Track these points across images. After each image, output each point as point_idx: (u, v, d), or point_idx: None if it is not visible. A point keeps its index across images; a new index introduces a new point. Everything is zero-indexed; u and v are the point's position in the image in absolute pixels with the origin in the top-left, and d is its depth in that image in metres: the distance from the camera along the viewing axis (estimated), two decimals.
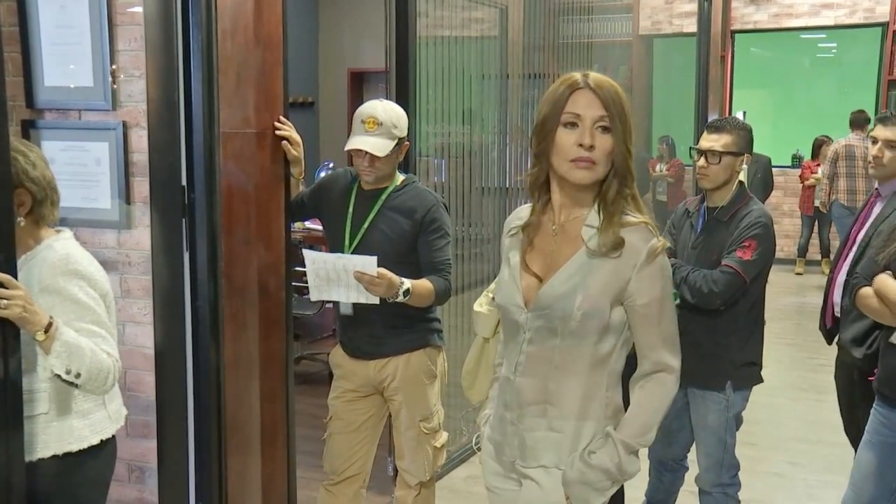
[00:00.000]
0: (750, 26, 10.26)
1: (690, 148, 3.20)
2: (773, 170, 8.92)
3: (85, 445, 2.15)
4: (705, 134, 3.02)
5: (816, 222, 9.30)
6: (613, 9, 7.14)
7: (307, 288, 2.72)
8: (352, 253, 2.77)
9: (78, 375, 2.03)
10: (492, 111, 4.88)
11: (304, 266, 2.68)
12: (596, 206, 1.83)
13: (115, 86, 2.63)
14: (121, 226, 2.68)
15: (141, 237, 2.66)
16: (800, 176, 9.34)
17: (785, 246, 9.77)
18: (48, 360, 2.00)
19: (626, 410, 1.89)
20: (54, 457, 2.11)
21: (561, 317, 1.79)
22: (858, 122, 8.36)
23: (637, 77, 7.83)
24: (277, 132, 2.75)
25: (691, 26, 7.45)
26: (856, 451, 3.13)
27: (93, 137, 2.67)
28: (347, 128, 2.88)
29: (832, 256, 9.41)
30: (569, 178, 1.80)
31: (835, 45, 10.50)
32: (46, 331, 1.96)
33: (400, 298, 2.65)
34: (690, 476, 3.26)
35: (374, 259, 2.59)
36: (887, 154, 2.90)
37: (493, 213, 4.71)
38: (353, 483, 2.96)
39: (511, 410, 1.91)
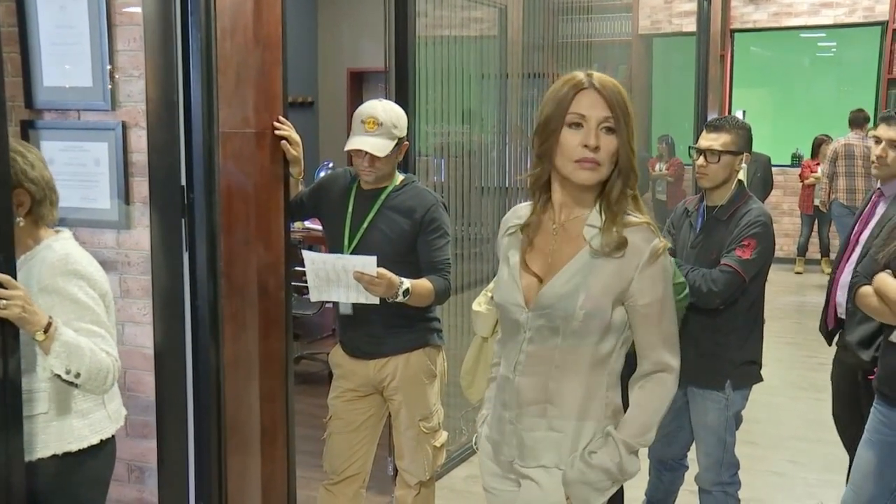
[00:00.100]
0: (749, 25, 10.26)
1: (689, 147, 3.20)
2: (773, 169, 8.92)
3: (84, 445, 2.16)
4: (704, 133, 3.02)
5: (816, 221, 9.30)
6: (613, 8, 7.14)
7: (307, 288, 2.72)
8: (351, 253, 2.77)
9: (77, 375, 2.03)
10: (491, 111, 4.88)
11: (304, 266, 2.69)
12: (598, 206, 1.83)
13: (113, 86, 2.63)
14: (120, 226, 2.68)
15: (140, 237, 2.66)
16: (799, 175, 9.34)
17: (785, 245, 9.77)
18: (48, 360, 2.00)
19: (624, 410, 1.89)
20: (54, 456, 2.12)
21: (563, 316, 1.79)
22: (857, 121, 8.36)
23: (636, 76, 7.84)
24: (277, 132, 2.75)
25: (691, 25, 7.45)
26: (847, 450, 3.14)
27: (92, 137, 2.67)
28: (347, 128, 2.88)
29: (832, 255, 9.44)
30: (573, 178, 1.79)
31: (834, 44, 10.50)
32: (46, 331, 1.96)
33: (399, 298, 2.65)
34: (690, 475, 3.26)
35: (373, 259, 2.59)
36: (891, 154, 2.87)
37: (493, 213, 4.70)
38: (353, 483, 2.96)
39: (510, 410, 1.90)
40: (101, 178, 2.68)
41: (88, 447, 2.16)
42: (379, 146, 2.72)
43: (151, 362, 2.64)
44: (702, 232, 3.00)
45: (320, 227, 3.12)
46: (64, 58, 2.67)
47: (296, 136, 2.80)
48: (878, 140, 2.93)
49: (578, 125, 1.76)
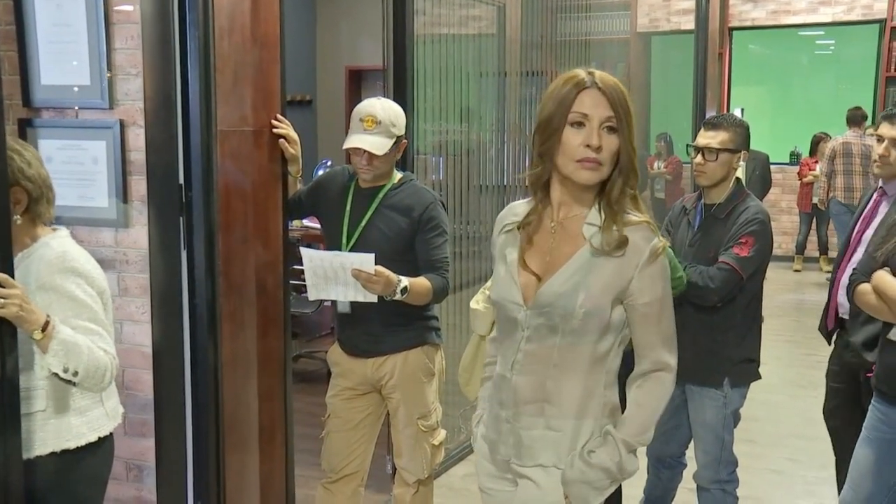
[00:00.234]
0: (748, 23, 10.27)
1: (687, 145, 3.20)
2: (772, 167, 8.93)
3: (83, 443, 2.16)
4: (702, 131, 3.02)
5: (815, 219, 9.30)
6: (611, 6, 7.14)
7: (305, 286, 2.72)
8: (350, 251, 2.77)
9: (75, 373, 2.03)
10: (490, 109, 4.88)
11: (302, 264, 2.69)
12: (597, 205, 1.83)
13: (111, 84, 2.62)
14: (118, 224, 2.68)
15: (138, 236, 2.66)
16: (798, 173, 9.35)
17: (783, 243, 9.78)
18: (45, 358, 2.00)
19: (622, 409, 1.89)
20: (52, 454, 2.12)
21: (562, 315, 1.79)
22: (855, 119, 8.36)
23: (635, 74, 7.83)
24: (275, 130, 2.75)
25: (689, 23, 7.44)
26: (835, 448, 3.14)
27: (90, 136, 2.67)
28: (345, 126, 2.88)
29: (830, 253, 9.45)
30: (574, 178, 1.79)
31: (833, 41, 10.50)
32: (44, 329, 1.96)
33: (398, 296, 2.65)
34: (689, 473, 3.26)
35: (371, 256, 2.59)
36: (894, 153, 2.86)
37: (491, 211, 4.70)
38: (352, 481, 2.96)
39: (506, 408, 1.90)
40: (99, 176, 2.67)
41: (87, 445, 2.17)
42: (377, 144, 2.72)
43: (150, 361, 2.64)
44: (700, 230, 3.00)
45: (319, 226, 3.12)
46: (62, 56, 2.67)
47: (294, 135, 2.80)
48: (880, 139, 2.90)
49: (580, 124, 1.76)
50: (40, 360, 2.05)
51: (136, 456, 2.76)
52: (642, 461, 2.66)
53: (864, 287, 2.55)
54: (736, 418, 3.06)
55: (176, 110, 2.46)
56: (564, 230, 1.85)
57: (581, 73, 1.79)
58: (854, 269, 2.69)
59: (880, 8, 9.58)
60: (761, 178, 8.59)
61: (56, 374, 2.03)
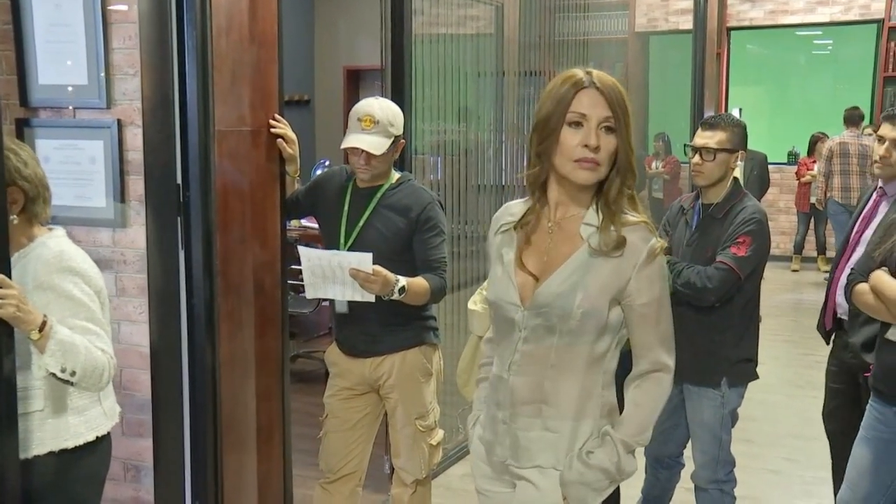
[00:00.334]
0: (746, 23, 10.27)
1: (685, 145, 3.20)
2: (770, 167, 8.94)
3: (81, 442, 2.16)
4: (699, 131, 3.02)
5: (812, 219, 9.31)
6: (609, 6, 7.14)
7: (303, 286, 2.72)
8: (347, 251, 2.77)
9: (73, 373, 2.03)
10: (488, 109, 4.88)
11: (300, 264, 2.68)
12: (595, 205, 1.82)
13: (108, 83, 2.62)
14: (116, 224, 2.67)
15: (136, 236, 2.65)
16: (796, 173, 9.35)
17: (781, 243, 9.78)
18: (43, 358, 2.00)
19: (619, 409, 1.89)
20: (50, 453, 2.12)
21: (560, 315, 1.78)
22: (853, 118, 8.37)
23: (633, 74, 7.83)
24: (272, 130, 2.75)
25: (687, 23, 7.44)
26: (832, 448, 3.14)
27: (87, 136, 2.67)
28: (343, 126, 2.88)
29: (828, 253, 9.45)
30: (571, 178, 1.78)
31: (830, 41, 10.51)
32: (41, 330, 1.96)
33: (395, 296, 2.65)
34: (686, 473, 3.26)
35: (369, 255, 2.59)
36: (894, 154, 2.85)
37: (489, 211, 4.69)
38: (350, 481, 2.96)
39: (503, 409, 1.89)
40: (97, 176, 2.67)
41: (85, 444, 2.17)
42: (375, 144, 2.72)
43: (147, 361, 2.64)
44: (697, 229, 3.00)
45: (317, 226, 3.12)
46: (59, 55, 2.66)
47: (292, 134, 2.79)
48: (881, 139, 2.88)
49: (578, 124, 1.75)
50: (38, 360, 2.04)
51: (134, 456, 2.76)
52: (640, 461, 2.66)
53: (862, 287, 2.55)
54: (734, 418, 3.06)
55: (173, 110, 2.46)
56: (562, 230, 1.84)
57: (579, 72, 1.78)
58: (852, 269, 2.69)
59: (878, 8, 9.59)
60: (759, 178, 8.60)
61: (53, 374, 2.03)
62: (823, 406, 3.18)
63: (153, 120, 2.53)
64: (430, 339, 2.93)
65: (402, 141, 2.86)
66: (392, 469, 3.11)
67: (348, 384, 2.93)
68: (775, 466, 4.26)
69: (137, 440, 2.73)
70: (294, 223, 5.20)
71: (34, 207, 2.11)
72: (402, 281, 2.65)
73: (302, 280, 2.71)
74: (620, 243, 1.77)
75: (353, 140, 2.72)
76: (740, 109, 9.64)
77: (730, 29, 10.30)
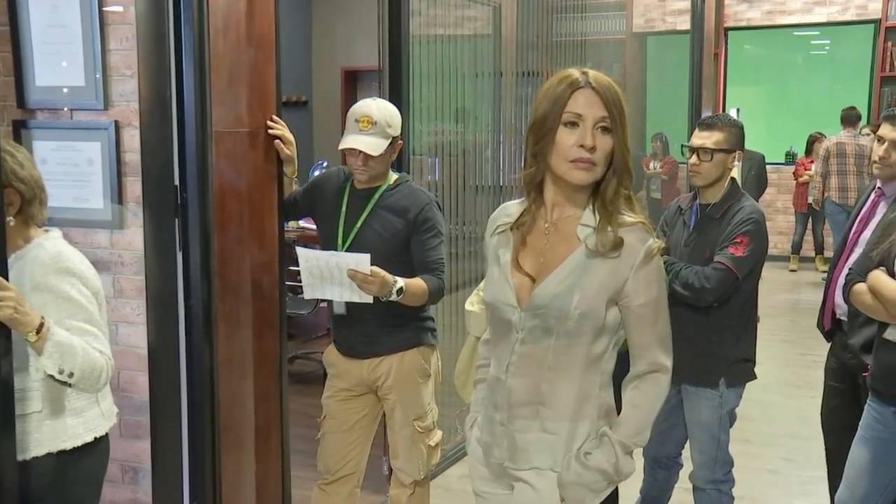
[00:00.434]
0: (743, 23, 10.29)
1: (682, 145, 3.20)
2: (767, 167, 8.94)
3: (79, 443, 2.16)
4: (697, 131, 3.02)
5: (810, 219, 9.32)
6: (607, 6, 7.14)
7: (301, 287, 2.72)
8: (345, 252, 2.77)
9: (71, 375, 2.03)
10: (485, 109, 4.88)
11: (298, 265, 2.68)
12: (591, 206, 1.82)
13: (106, 85, 2.62)
14: (113, 226, 2.67)
15: (133, 237, 2.65)
16: (793, 173, 9.36)
17: (779, 243, 9.80)
18: (40, 360, 2.00)
19: (617, 410, 1.89)
20: (48, 455, 2.12)
21: (557, 316, 1.78)
22: (850, 119, 8.37)
23: (631, 75, 7.84)
24: (270, 131, 2.75)
25: (685, 24, 7.45)
26: (828, 448, 3.14)
27: (85, 137, 2.66)
28: (341, 127, 2.88)
29: (826, 253, 9.44)
30: (567, 178, 1.78)
31: (828, 42, 10.52)
32: (38, 332, 1.96)
33: (393, 297, 2.65)
34: (685, 473, 3.26)
35: (367, 256, 2.59)
36: (894, 155, 2.83)
37: (487, 212, 4.68)
38: (348, 482, 2.96)
39: (501, 411, 1.88)
40: (94, 177, 2.67)
41: (83, 445, 2.17)
42: (373, 145, 2.71)
43: (145, 362, 2.64)
44: (695, 230, 3.00)
45: (314, 227, 3.12)
46: (56, 57, 2.66)
47: (289, 136, 2.79)
48: (880, 140, 2.87)
49: (574, 124, 1.75)
50: (35, 362, 2.04)
51: (132, 458, 2.75)
52: (638, 461, 2.66)
53: (860, 287, 2.55)
54: (732, 418, 3.06)
55: (171, 111, 2.46)
56: (558, 231, 1.84)
57: (575, 72, 1.78)
58: (850, 269, 2.69)
59: (875, 8, 9.60)
60: (757, 178, 8.60)
61: (51, 376, 2.03)
62: (822, 404, 3.18)
63: (150, 121, 2.52)
64: (428, 340, 2.93)
65: (400, 142, 2.86)
66: (390, 470, 3.11)
67: (346, 385, 2.93)
68: (773, 466, 4.26)
69: (135, 442, 2.73)
70: (292, 224, 5.20)
71: (30, 209, 2.10)
72: (400, 282, 2.65)
73: (300, 281, 2.71)
74: (617, 244, 1.77)
75: (351, 141, 2.72)
76: (738, 110, 9.65)
77: (727, 29, 10.32)
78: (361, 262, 2.58)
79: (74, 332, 2.05)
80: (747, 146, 3.17)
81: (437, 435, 3.00)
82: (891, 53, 9.52)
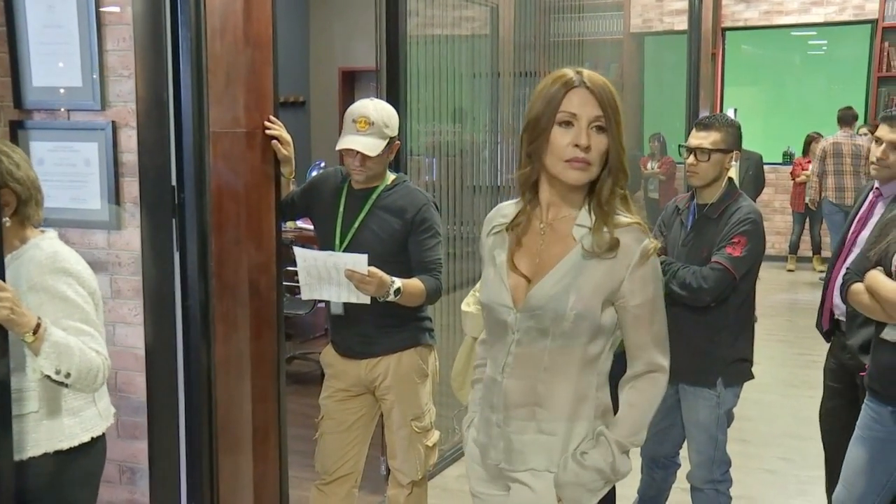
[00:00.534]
0: (741, 24, 10.29)
1: (679, 146, 3.21)
2: (765, 167, 8.96)
3: (76, 443, 2.16)
4: (694, 131, 3.02)
5: (808, 219, 9.33)
6: (604, 7, 7.15)
7: (299, 287, 2.72)
8: (343, 252, 2.77)
9: (68, 375, 2.02)
10: (483, 110, 4.88)
11: (296, 265, 2.68)
12: (587, 206, 1.82)
13: (103, 85, 2.61)
14: (110, 226, 2.67)
15: (131, 237, 2.65)
16: (791, 173, 9.37)
17: (776, 243, 9.80)
18: (37, 360, 2.00)
19: (614, 410, 1.89)
20: (45, 455, 2.12)
21: (553, 317, 1.77)
22: (846, 119, 8.38)
23: (628, 75, 7.84)
24: (267, 132, 2.75)
25: (682, 24, 7.45)
26: (826, 448, 3.14)
27: (82, 138, 2.66)
28: (339, 127, 2.88)
29: (823, 253, 9.43)
30: (562, 178, 1.77)
31: (825, 42, 10.53)
32: (35, 332, 1.96)
33: (391, 298, 2.65)
34: (682, 473, 3.26)
35: (364, 257, 2.59)
36: (892, 156, 2.83)
37: (485, 212, 4.64)
38: (346, 482, 2.96)
39: (497, 412, 1.88)
40: (91, 178, 2.67)
41: (80, 445, 2.17)
42: (370, 146, 2.71)
43: (142, 363, 2.63)
44: (692, 230, 3.00)
45: (312, 227, 3.12)
46: (53, 57, 2.66)
47: (286, 136, 2.79)
48: (878, 141, 2.87)
49: (569, 124, 1.74)
50: (32, 363, 2.04)
51: (129, 458, 2.75)
52: (636, 461, 2.66)
53: (857, 287, 2.56)
54: (729, 418, 3.07)
55: (168, 111, 2.46)
56: (554, 231, 1.84)
57: (569, 72, 1.77)
58: (847, 269, 2.69)
59: (872, 8, 9.61)
60: (754, 178, 8.62)
61: (48, 377, 2.03)
62: (821, 404, 3.18)
63: (148, 122, 2.52)
64: (425, 341, 2.93)
65: (397, 142, 2.86)
66: (388, 470, 3.11)
67: (344, 386, 2.93)
68: (771, 466, 4.26)
69: (133, 442, 2.72)
70: (289, 225, 5.20)
71: (26, 210, 2.10)
72: (398, 282, 2.65)
73: (297, 281, 2.71)
74: (613, 245, 1.76)
75: (348, 141, 2.72)
76: (735, 110, 9.65)
77: (724, 29, 10.32)
78: (359, 262, 2.58)
79: (71, 331, 2.05)
80: (745, 146, 3.17)
81: (435, 435, 3.00)
82: (888, 53, 9.53)
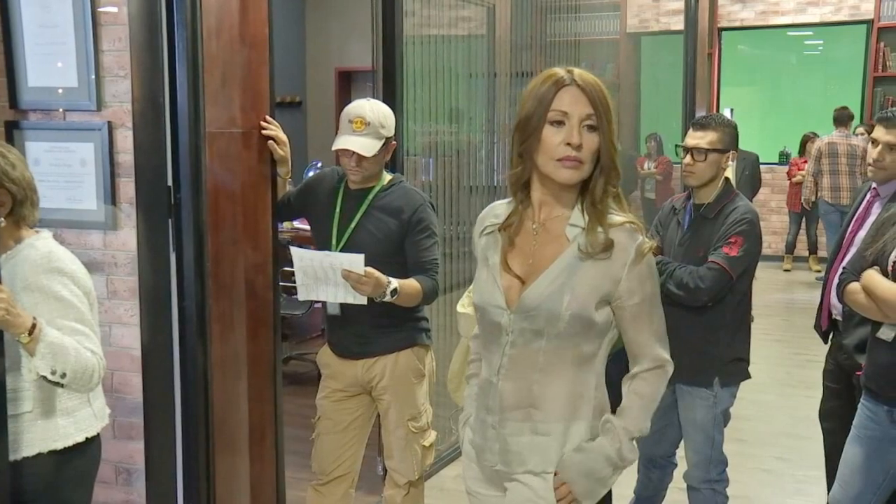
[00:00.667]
0: (737, 24, 10.30)
1: (676, 146, 3.21)
2: (761, 167, 8.97)
3: (70, 443, 2.16)
4: (691, 131, 3.03)
5: (804, 219, 9.34)
6: (601, 7, 7.15)
7: (295, 288, 2.72)
8: (339, 252, 2.77)
9: (63, 375, 2.02)
10: (479, 110, 4.88)
11: (292, 266, 2.68)
12: (580, 205, 1.81)
13: (98, 86, 2.61)
14: (107, 227, 2.66)
15: (127, 238, 2.64)
16: (787, 173, 9.38)
17: (773, 243, 9.81)
18: (33, 361, 1.99)
19: (613, 410, 1.89)
20: (39, 455, 2.11)
21: (547, 318, 1.77)
22: (842, 118, 8.39)
23: (625, 75, 7.85)
24: (264, 132, 2.74)
25: (678, 24, 7.46)
26: (826, 447, 3.14)
27: (78, 138, 2.66)
28: (335, 127, 2.88)
29: (819, 253, 9.43)
30: (554, 177, 1.76)
31: (821, 42, 10.55)
32: (30, 333, 1.95)
33: (387, 298, 2.65)
34: (679, 472, 3.27)
35: (361, 257, 2.58)
36: (888, 157, 2.84)
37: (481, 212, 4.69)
38: (342, 483, 2.96)
39: (493, 414, 1.87)
40: (87, 178, 2.66)
41: (74, 445, 2.16)
42: (366, 146, 2.71)
43: (138, 363, 2.63)
44: (689, 230, 3.01)
45: (308, 227, 3.12)
46: (49, 58, 2.65)
47: (283, 136, 2.79)
48: (874, 142, 2.88)
49: (560, 123, 1.74)
50: (27, 363, 2.04)
51: (125, 459, 2.75)
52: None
53: (854, 286, 2.56)
54: (726, 418, 3.07)
55: (164, 112, 2.45)
56: (547, 231, 1.83)
57: (560, 71, 1.77)
58: (844, 268, 2.70)
59: (867, 8, 9.63)
60: (751, 178, 8.63)
61: (44, 377, 2.02)
62: (820, 405, 3.18)
63: (144, 122, 2.52)
64: (422, 341, 2.93)
65: (394, 142, 2.86)
66: (385, 470, 3.11)
67: (341, 386, 2.93)
68: (768, 466, 4.27)
69: (129, 443, 2.72)
70: (286, 225, 5.20)
71: (22, 210, 2.10)
72: (395, 283, 2.65)
73: (294, 282, 2.71)
74: (608, 245, 1.76)
75: (344, 142, 2.72)
76: (732, 110, 9.67)
77: (721, 29, 10.33)
78: (355, 262, 2.58)
79: (66, 331, 2.04)
80: (741, 146, 3.18)
81: (432, 435, 3.00)
82: (883, 53, 9.55)
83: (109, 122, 2.62)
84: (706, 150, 2.94)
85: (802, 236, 9.52)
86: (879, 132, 2.87)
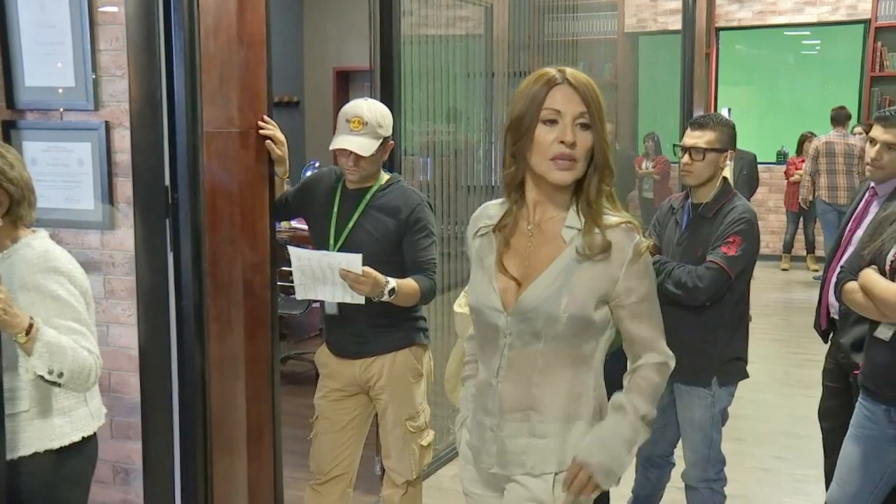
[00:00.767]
0: (734, 24, 10.32)
1: (674, 145, 3.21)
2: (759, 166, 8.97)
3: (66, 443, 2.16)
4: (689, 131, 3.03)
5: (802, 218, 9.35)
6: (598, 7, 7.15)
7: (293, 287, 2.71)
8: (337, 252, 2.76)
9: (60, 375, 2.02)
10: (477, 109, 4.88)
11: (290, 265, 2.68)
12: (575, 206, 1.80)
13: (96, 85, 2.61)
14: (104, 226, 2.66)
15: (124, 238, 2.64)
16: (785, 172, 9.39)
17: (770, 242, 9.82)
18: (30, 360, 1.99)
19: None
20: (36, 454, 2.11)
21: (545, 320, 1.77)
22: (839, 118, 8.39)
23: (622, 75, 7.85)
24: (261, 131, 2.74)
25: (676, 24, 7.46)
26: (825, 447, 3.14)
27: (75, 138, 2.65)
28: (333, 127, 2.88)
29: (817, 252, 9.44)
30: (549, 178, 1.76)
31: (818, 41, 10.56)
32: (27, 332, 1.95)
33: (385, 298, 2.64)
34: (677, 472, 3.27)
35: (358, 256, 2.58)
36: (886, 157, 2.84)
37: None
38: (340, 482, 2.95)
39: (491, 416, 1.87)
40: (85, 178, 2.66)
41: (71, 445, 2.16)
42: (364, 146, 2.71)
43: (136, 363, 2.63)
44: (687, 229, 3.01)
45: (306, 227, 3.11)
46: (46, 57, 2.65)
47: (280, 136, 2.79)
48: (873, 141, 2.88)
49: (553, 122, 1.73)
50: (24, 363, 2.03)
51: (123, 459, 2.74)
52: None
53: (852, 285, 2.56)
54: (724, 417, 3.07)
55: (161, 111, 2.45)
56: (542, 233, 1.82)
57: (551, 70, 1.77)
58: (841, 268, 2.70)
59: (864, 8, 9.65)
60: (749, 178, 8.62)
61: (41, 377, 2.02)
62: (819, 404, 3.18)
63: (141, 122, 2.52)
64: (420, 340, 2.93)
65: (391, 142, 2.86)
66: (383, 470, 3.11)
67: (338, 385, 2.93)
68: (766, 465, 4.27)
69: (126, 443, 2.72)
70: (284, 224, 5.19)
71: (19, 210, 2.10)
72: (392, 282, 2.65)
73: (292, 281, 2.71)
74: (606, 247, 1.76)
75: (342, 141, 2.72)
76: (729, 109, 9.68)
77: (718, 29, 10.34)
78: (353, 262, 2.58)
79: (62, 330, 2.04)
80: (739, 146, 3.18)
81: (430, 435, 3.00)
82: (881, 53, 9.56)
83: (107, 122, 2.61)
84: (704, 150, 2.94)
85: (800, 236, 9.52)
86: (877, 131, 2.87)
